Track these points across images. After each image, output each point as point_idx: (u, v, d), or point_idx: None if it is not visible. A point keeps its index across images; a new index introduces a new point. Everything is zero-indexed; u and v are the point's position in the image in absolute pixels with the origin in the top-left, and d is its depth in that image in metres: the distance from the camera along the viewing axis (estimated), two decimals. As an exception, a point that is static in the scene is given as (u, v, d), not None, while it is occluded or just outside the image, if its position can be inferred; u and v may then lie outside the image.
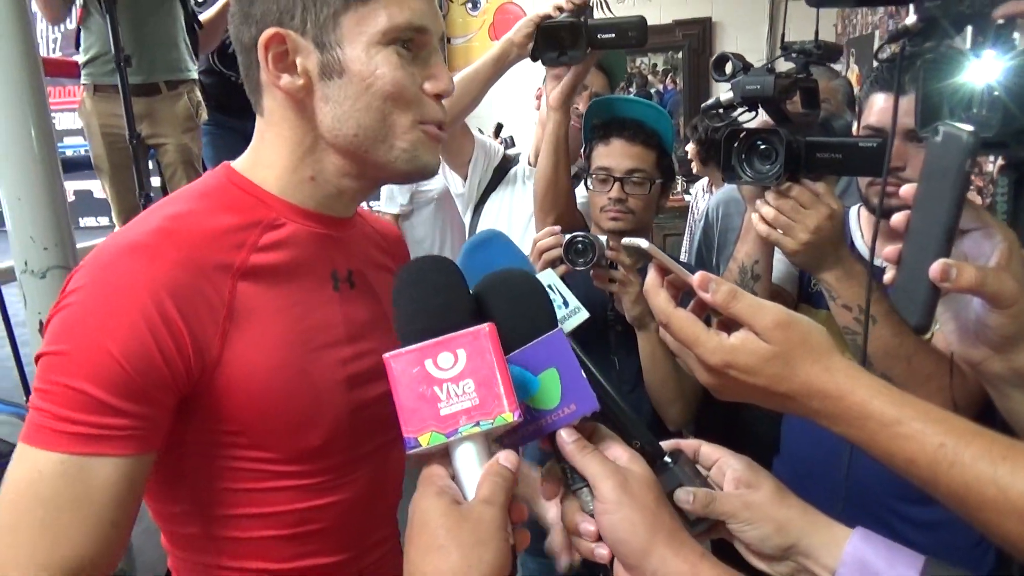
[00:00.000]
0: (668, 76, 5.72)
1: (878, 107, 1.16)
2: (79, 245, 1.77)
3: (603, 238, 1.34)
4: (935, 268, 0.58)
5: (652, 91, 5.69)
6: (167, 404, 0.68)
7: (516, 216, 1.90)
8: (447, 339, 0.56)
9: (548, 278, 0.78)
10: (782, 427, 1.43)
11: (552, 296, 0.75)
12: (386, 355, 0.57)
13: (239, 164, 0.81)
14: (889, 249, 0.65)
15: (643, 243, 0.64)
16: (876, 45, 4.06)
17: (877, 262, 1.24)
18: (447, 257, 0.62)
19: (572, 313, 0.77)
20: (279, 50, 0.72)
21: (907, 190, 0.64)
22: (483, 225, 1.93)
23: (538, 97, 1.94)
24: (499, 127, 4.88)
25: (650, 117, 1.49)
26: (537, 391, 0.59)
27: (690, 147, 3.48)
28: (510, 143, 4.67)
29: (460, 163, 1.92)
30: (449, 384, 0.55)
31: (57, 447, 0.63)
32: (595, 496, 0.57)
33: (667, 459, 0.67)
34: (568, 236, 1.32)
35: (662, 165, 1.49)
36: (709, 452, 0.70)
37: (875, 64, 1.18)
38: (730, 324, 0.62)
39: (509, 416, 0.55)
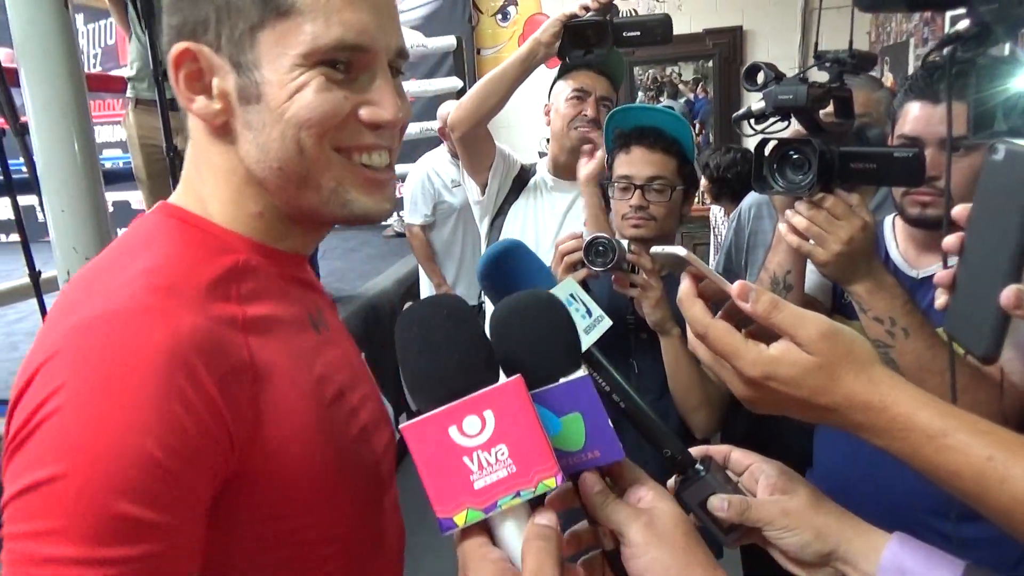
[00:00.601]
0: (699, 85, 5.69)
1: (913, 116, 1.15)
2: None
3: (625, 241, 1.34)
4: (1008, 295, 0.55)
5: (683, 100, 5.67)
6: (204, 504, 0.54)
7: (543, 225, 1.91)
8: (470, 401, 0.50)
9: (569, 287, 0.76)
10: (815, 438, 1.41)
11: (574, 306, 0.74)
12: (403, 425, 0.50)
13: (179, 199, 0.68)
14: (942, 274, 0.63)
15: (680, 251, 0.61)
16: (911, 53, 4.00)
17: (912, 273, 1.23)
18: (453, 295, 0.58)
19: (596, 322, 0.75)
20: (192, 68, 0.62)
21: (960, 211, 0.61)
22: (507, 235, 1.95)
23: (547, 112, 1.96)
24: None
25: (669, 125, 1.50)
26: (559, 433, 0.55)
27: (702, 181, 3.47)
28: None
29: (480, 168, 1.93)
30: (480, 452, 0.49)
31: None
32: (624, 542, 0.55)
33: (699, 467, 0.66)
34: (589, 237, 1.33)
35: (683, 172, 1.50)
36: (740, 458, 0.70)
37: (911, 72, 1.17)
38: (760, 334, 0.60)
39: (552, 482, 0.50)
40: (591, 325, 0.75)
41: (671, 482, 0.68)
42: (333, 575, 0.67)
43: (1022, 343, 0.62)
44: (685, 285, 0.63)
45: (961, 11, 0.73)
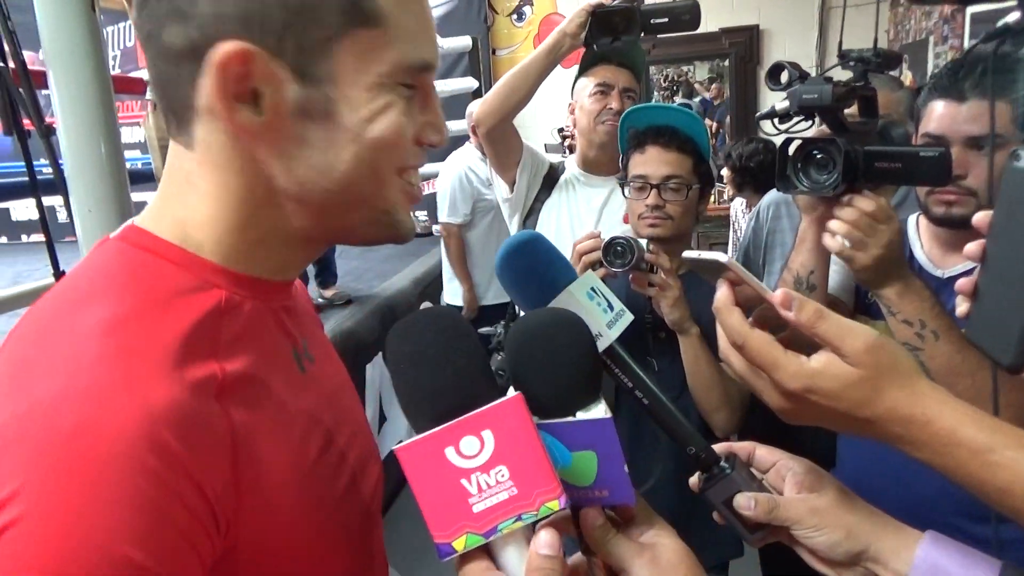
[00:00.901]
0: (714, 84, 5.68)
1: (937, 114, 1.14)
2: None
3: (643, 241, 1.35)
4: None
5: (697, 99, 5.65)
6: None
7: (577, 221, 1.90)
8: (467, 420, 0.47)
9: (591, 281, 0.74)
10: (839, 437, 1.40)
11: (596, 300, 0.73)
12: (396, 447, 0.47)
13: (154, 224, 0.57)
14: (964, 281, 0.62)
15: (721, 257, 0.59)
16: (930, 51, 3.97)
17: (938, 273, 1.22)
18: (446, 308, 0.56)
19: (617, 317, 0.74)
20: (240, 71, 0.51)
21: (981, 218, 0.60)
22: (543, 232, 1.93)
23: (571, 111, 1.96)
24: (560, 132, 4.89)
25: (684, 123, 1.49)
26: (569, 466, 0.52)
27: (725, 172, 3.46)
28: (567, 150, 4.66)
29: (509, 165, 1.92)
30: (478, 474, 0.47)
31: None
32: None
33: (723, 464, 0.65)
34: (607, 238, 1.33)
35: (699, 171, 1.49)
36: (765, 455, 0.69)
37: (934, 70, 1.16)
38: (792, 342, 0.59)
39: (555, 504, 0.48)
40: (613, 320, 0.74)
41: (694, 479, 0.68)
42: None
43: None
44: (723, 293, 0.61)
45: (1005, 5, 0.72)
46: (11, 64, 2.11)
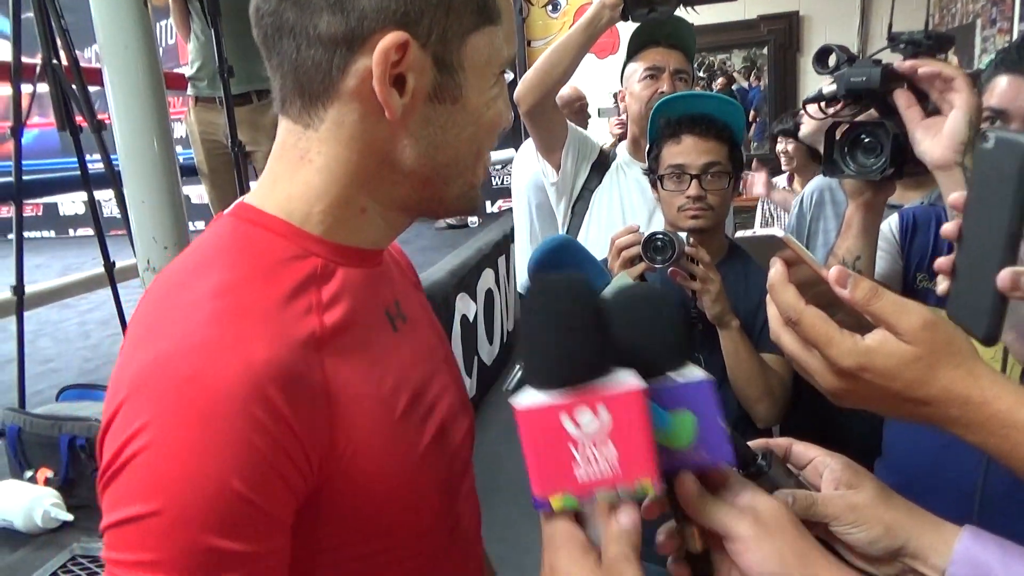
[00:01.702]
0: (752, 73, 5.60)
1: (1000, 89, 1.11)
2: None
3: (683, 235, 1.33)
4: (1004, 277, 0.55)
5: (734, 88, 5.59)
6: (288, 524, 0.56)
7: (629, 208, 1.86)
8: (589, 395, 0.49)
9: (624, 282, 0.74)
10: (884, 427, 1.39)
11: None
12: (518, 408, 0.49)
13: (262, 200, 0.64)
14: (941, 260, 0.61)
15: (777, 232, 0.60)
16: (977, 34, 3.87)
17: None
18: (580, 277, 0.53)
19: None
20: (395, 59, 0.57)
21: (956, 199, 0.60)
22: (595, 220, 1.90)
23: (621, 98, 1.94)
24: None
25: (719, 110, 1.46)
26: (666, 428, 0.54)
27: (786, 146, 3.33)
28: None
29: (554, 146, 1.88)
30: (588, 446, 0.49)
31: None
32: (732, 540, 0.53)
33: (760, 461, 0.65)
34: (647, 233, 1.31)
35: (734, 158, 1.46)
36: (802, 451, 0.68)
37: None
38: (847, 325, 0.58)
39: (650, 488, 0.50)
40: None
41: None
42: (411, 573, 0.68)
43: (1022, 324, 0.61)
44: (777, 270, 0.61)
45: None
46: (65, 62, 2.18)
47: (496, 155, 4.32)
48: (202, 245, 0.63)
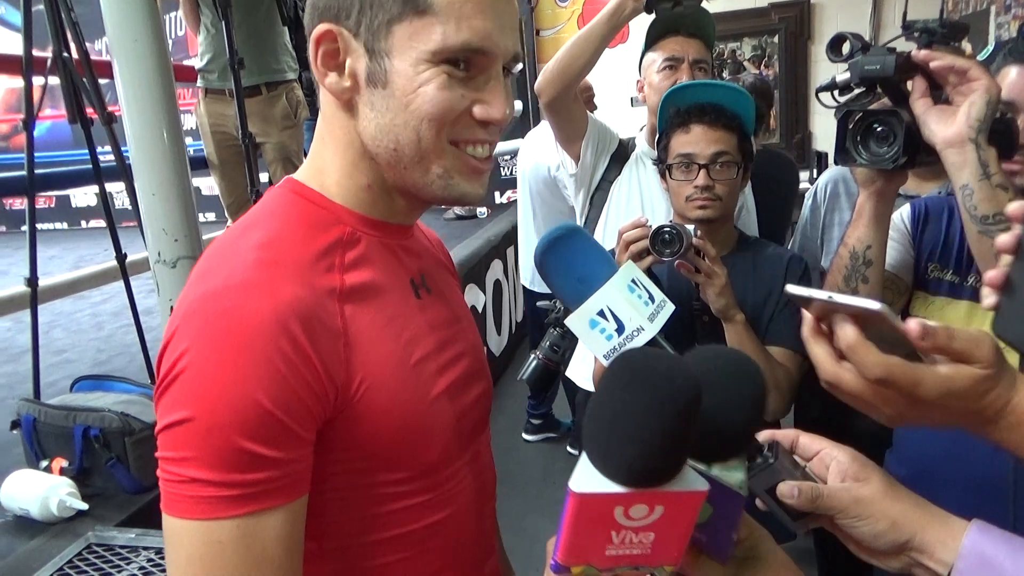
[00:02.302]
0: (761, 62, 5.56)
1: (1010, 80, 1.10)
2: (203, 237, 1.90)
3: (691, 227, 1.32)
4: None
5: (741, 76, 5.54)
6: (311, 440, 0.65)
7: (648, 199, 1.85)
8: (655, 495, 0.48)
9: (631, 272, 0.72)
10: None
11: (636, 292, 0.71)
12: (575, 489, 0.48)
13: (302, 174, 0.76)
14: (992, 274, 0.61)
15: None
16: (992, 21, 3.82)
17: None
18: (684, 365, 0.48)
19: (659, 308, 0.72)
20: (330, 47, 0.69)
21: (1016, 208, 0.59)
22: (614, 211, 1.88)
23: (640, 88, 1.92)
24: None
25: (729, 99, 1.44)
26: None
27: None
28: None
29: (574, 137, 1.86)
30: (629, 533, 0.49)
31: (228, 512, 0.59)
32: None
33: (767, 453, 0.64)
34: (655, 226, 1.30)
35: (743, 148, 1.45)
36: (808, 443, 0.68)
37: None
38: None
39: (671, 569, 0.51)
40: (654, 312, 0.72)
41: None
42: (418, 511, 0.74)
43: None
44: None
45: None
46: (75, 54, 2.19)
47: (503, 146, 4.30)
48: (255, 210, 0.75)
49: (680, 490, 0.48)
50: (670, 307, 0.73)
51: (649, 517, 0.48)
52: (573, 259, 0.74)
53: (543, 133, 3.53)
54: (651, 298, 0.72)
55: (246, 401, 0.59)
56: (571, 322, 0.72)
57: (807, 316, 0.63)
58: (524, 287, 3.63)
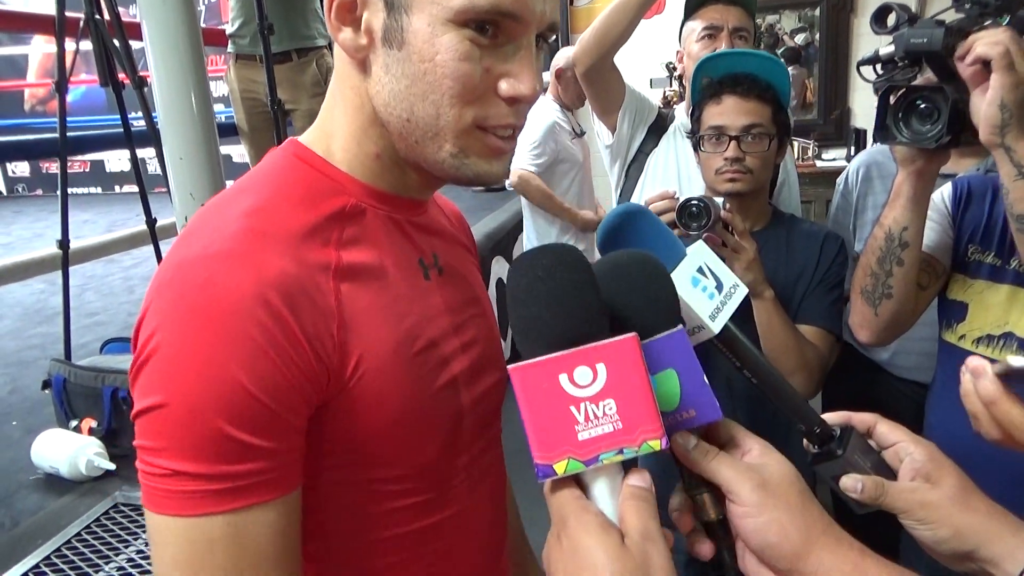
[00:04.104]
0: (803, 36, 5.40)
1: None
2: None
3: (719, 200, 1.28)
4: None
5: (780, 50, 5.40)
6: (301, 428, 0.59)
7: (684, 172, 1.80)
8: (585, 350, 0.48)
9: (699, 258, 0.69)
10: (928, 403, 1.35)
11: (702, 284, 0.68)
12: (511, 367, 0.49)
13: (308, 136, 0.69)
14: None
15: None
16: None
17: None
18: (568, 246, 0.53)
19: (730, 294, 0.67)
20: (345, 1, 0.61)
21: None
22: (650, 183, 1.84)
23: (680, 59, 1.87)
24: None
25: (764, 69, 1.39)
26: (654, 391, 0.51)
27: None
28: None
29: (610, 108, 1.82)
30: (587, 403, 0.48)
31: (218, 507, 0.54)
32: (733, 501, 0.52)
33: (833, 444, 0.62)
34: (682, 199, 1.27)
35: (778, 120, 1.40)
36: (887, 433, 0.65)
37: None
38: None
39: (656, 444, 0.48)
40: (724, 300, 0.68)
41: (807, 445, 0.66)
42: (416, 517, 0.69)
43: None
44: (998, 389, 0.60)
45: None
46: (107, 17, 2.19)
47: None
48: (250, 173, 0.68)
49: (607, 341, 0.48)
50: (742, 290, 0.69)
51: (597, 380, 0.48)
52: (638, 240, 0.69)
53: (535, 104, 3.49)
54: (718, 287, 0.68)
55: (225, 382, 0.53)
56: (674, 280, 0.65)
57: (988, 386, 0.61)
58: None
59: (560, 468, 0.48)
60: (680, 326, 0.54)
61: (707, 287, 0.67)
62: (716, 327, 0.64)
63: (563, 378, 0.48)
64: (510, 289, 0.52)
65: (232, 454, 0.54)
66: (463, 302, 0.76)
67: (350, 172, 0.67)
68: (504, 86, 0.61)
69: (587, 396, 0.48)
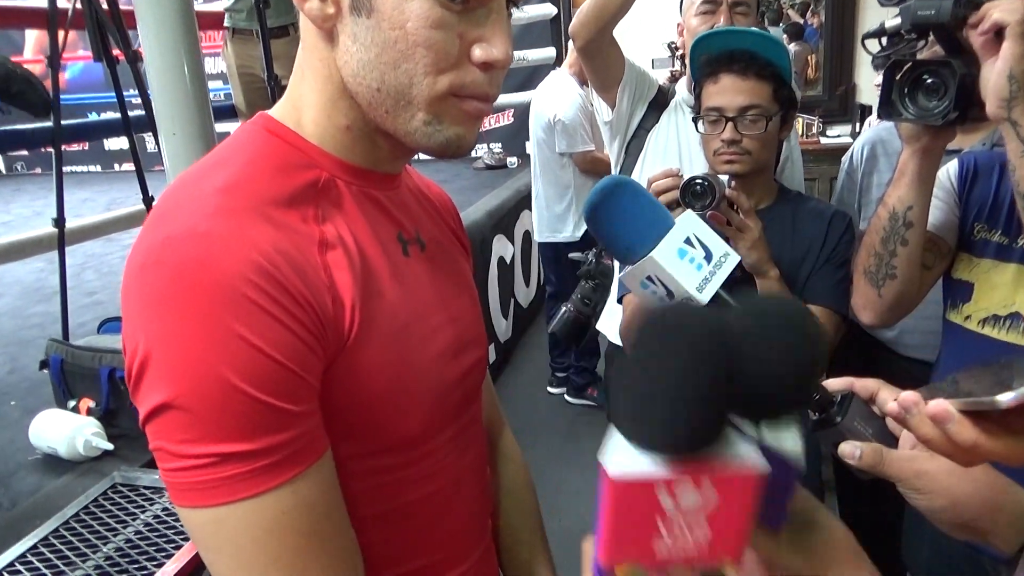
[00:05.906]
0: (808, 10, 5.33)
1: None
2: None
3: (724, 178, 1.26)
4: None
5: (781, 26, 5.32)
6: (318, 392, 0.59)
7: (686, 148, 1.78)
8: (699, 469, 0.42)
9: (691, 226, 0.65)
10: (933, 370, 1.34)
11: (689, 255, 0.66)
12: (609, 472, 0.41)
13: (278, 110, 0.68)
14: None
15: None
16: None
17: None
18: (721, 319, 0.43)
19: (720, 263, 0.65)
20: None
21: None
22: (650, 160, 1.82)
23: (680, 32, 1.84)
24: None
25: (762, 47, 1.36)
26: None
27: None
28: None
29: (610, 83, 1.79)
30: (680, 522, 0.42)
31: (280, 478, 0.54)
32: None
33: (832, 410, 0.61)
34: (686, 177, 1.25)
35: (780, 96, 1.37)
36: (890, 399, 0.63)
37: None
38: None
39: (731, 570, 0.44)
40: (714, 269, 0.66)
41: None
42: (393, 495, 0.68)
43: None
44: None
45: None
46: (99, -8, 2.15)
47: (527, 96, 4.18)
48: (223, 148, 0.66)
49: (727, 467, 0.42)
50: (734, 258, 0.67)
51: (699, 501, 0.42)
52: (625, 212, 0.67)
53: (551, 81, 3.52)
54: (707, 257, 0.66)
55: (246, 353, 0.52)
56: (658, 254, 0.64)
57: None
58: (542, 250, 3.60)
59: (621, 572, 0.44)
60: (800, 459, 0.47)
61: (695, 258, 0.65)
62: (704, 298, 0.63)
63: (663, 492, 0.42)
64: (633, 357, 0.43)
65: (272, 425, 0.53)
66: (441, 276, 0.75)
67: (321, 145, 0.66)
68: (478, 52, 0.60)
69: (682, 514, 0.42)
